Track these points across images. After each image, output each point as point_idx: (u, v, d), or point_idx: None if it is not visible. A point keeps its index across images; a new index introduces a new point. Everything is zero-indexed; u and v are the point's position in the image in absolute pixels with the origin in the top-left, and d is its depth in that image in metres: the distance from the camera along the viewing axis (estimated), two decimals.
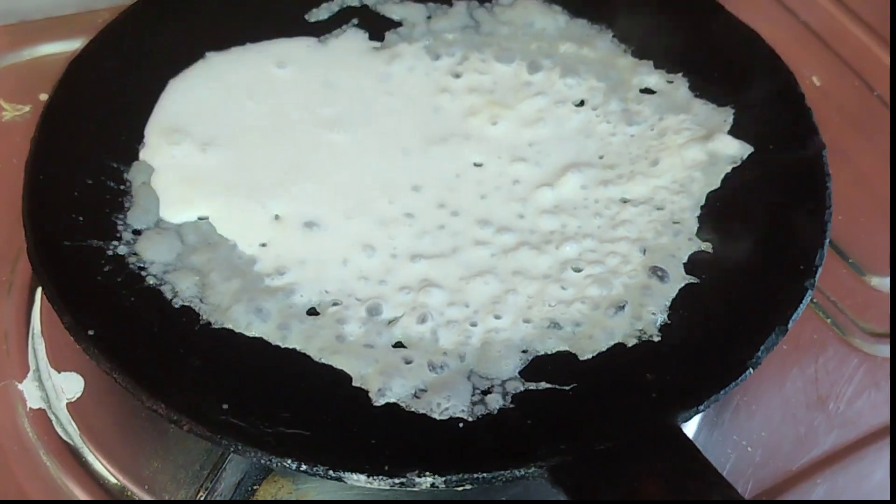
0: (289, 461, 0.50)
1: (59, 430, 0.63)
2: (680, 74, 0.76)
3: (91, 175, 0.66)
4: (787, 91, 0.70)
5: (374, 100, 0.75)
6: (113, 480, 0.61)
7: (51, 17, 0.80)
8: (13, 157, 0.72)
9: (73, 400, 0.64)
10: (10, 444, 0.62)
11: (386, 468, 0.50)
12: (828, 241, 0.60)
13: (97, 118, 0.69)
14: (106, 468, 0.62)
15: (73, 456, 0.62)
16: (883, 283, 0.77)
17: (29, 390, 0.64)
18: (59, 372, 0.65)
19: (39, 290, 0.68)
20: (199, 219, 0.66)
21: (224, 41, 0.77)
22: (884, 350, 0.73)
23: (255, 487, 0.61)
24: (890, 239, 0.79)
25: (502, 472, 0.50)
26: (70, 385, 0.64)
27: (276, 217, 0.67)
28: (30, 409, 0.64)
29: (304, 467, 0.50)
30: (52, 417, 0.63)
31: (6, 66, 0.81)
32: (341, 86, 0.76)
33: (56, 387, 0.64)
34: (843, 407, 0.69)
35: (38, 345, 0.66)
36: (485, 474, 0.50)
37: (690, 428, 0.67)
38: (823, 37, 0.93)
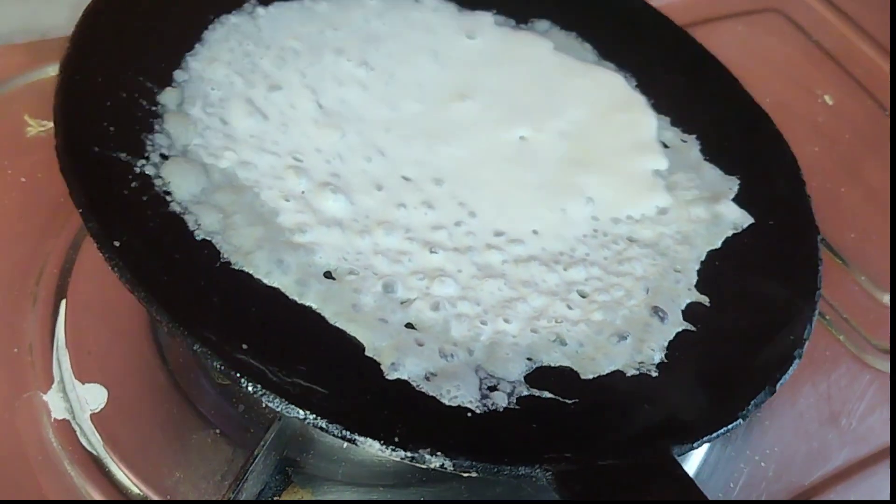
0: (308, 413, 0.50)
1: (82, 440, 0.63)
2: (694, 137, 0.79)
3: (125, 89, 0.66)
4: (790, 174, 0.73)
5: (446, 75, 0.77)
6: (135, 490, 0.62)
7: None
8: (38, 173, 0.74)
9: (96, 411, 0.64)
10: (35, 455, 0.63)
11: (397, 440, 0.50)
12: (815, 317, 0.62)
13: (139, 31, 0.69)
14: (128, 478, 0.62)
15: (96, 466, 0.63)
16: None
17: (53, 401, 0.65)
18: (83, 383, 0.65)
19: (64, 302, 0.69)
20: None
21: None
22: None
23: (275, 498, 0.62)
24: (890, 254, 0.80)
25: (510, 466, 0.51)
26: (94, 396, 0.65)
27: (299, 171, 0.68)
28: (54, 419, 0.64)
29: (321, 422, 0.50)
30: (77, 428, 0.64)
31: (29, 82, 0.82)
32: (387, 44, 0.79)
33: (80, 398, 0.65)
34: (856, 423, 0.70)
35: (62, 356, 0.66)
36: (493, 465, 0.51)
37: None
38: (836, 56, 0.95)
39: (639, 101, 0.79)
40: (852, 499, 0.66)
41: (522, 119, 0.76)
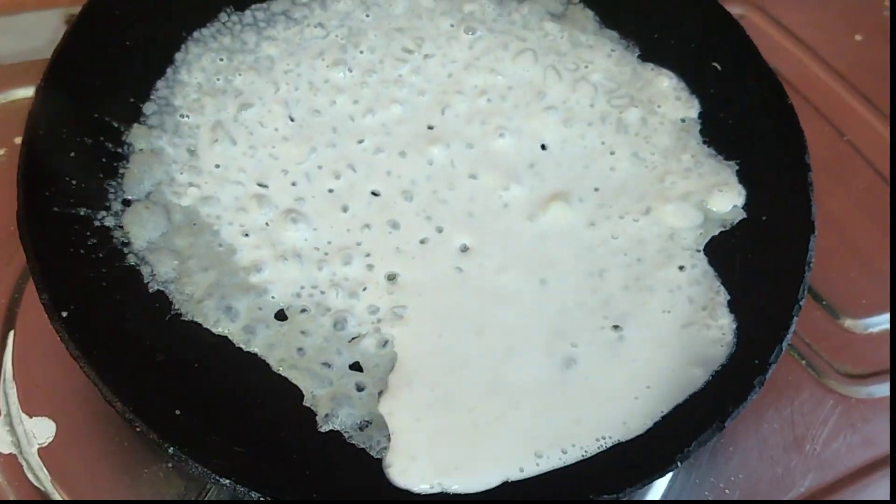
0: (229, 481, 0.51)
1: (29, 475, 0.63)
2: (696, 115, 0.74)
3: (91, 134, 0.66)
4: (794, 161, 0.67)
5: (384, 90, 0.74)
6: None
7: (25, 60, 0.79)
8: None
9: (44, 445, 0.64)
10: None
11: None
12: (789, 336, 0.59)
13: (108, 69, 0.69)
14: None
15: (43, 502, 0.61)
16: (857, 324, 0.77)
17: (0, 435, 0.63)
18: (31, 417, 0.64)
19: (11, 333, 0.67)
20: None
21: None
22: (859, 391, 0.73)
23: None
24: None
25: None
26: (41, 430, 0.64)
27: (263, 200, 0.67)
28: (0, 454, 0.63)
29: (239, 488, 0.51)
30: (23, 463, 0.63)
31: None
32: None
33: (27, 431, 0.64)
34: (820, 448, 0.69)
35: (9, 389, 0.65)
36: None
37: None
38: (794, 83, 0.94)
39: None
40: None
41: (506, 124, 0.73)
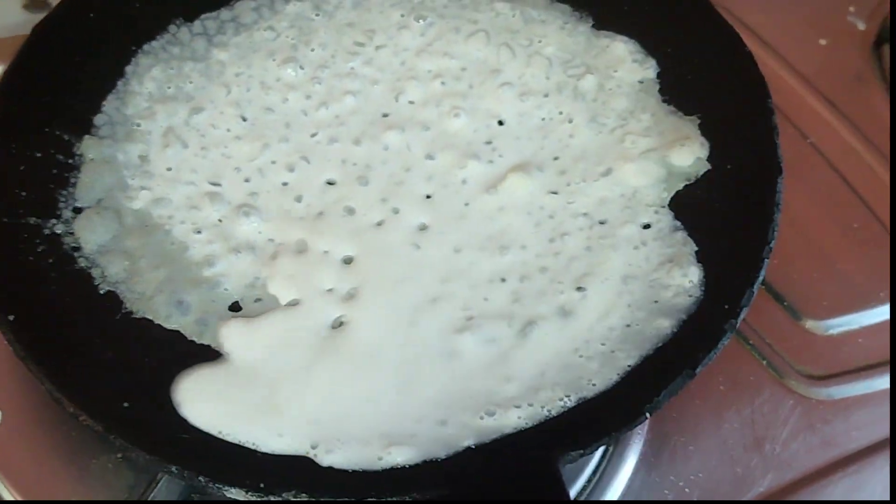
0: (175, 468, 0.50)
1: None
2: (654, 76, 0.73)
3: (41, 148, 0.66)
4: (757, 107, 0.66)
5: (337, 83, 0.73)
6: None
7: None
8: None
9: None
10: None
11: (262, 486, 0.49)
12: (760, 279, 0.57)
13: (57, 85, 0.69)
14: None
15: None
16: (818, 325, 0.77)
17: None
18: None
19: None
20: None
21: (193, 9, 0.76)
22: (819, 393, 0.73)
23: None
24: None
25: (375, 499, 0.49)
26: None
27: (215, 197, 0.66)
28: None
29: (185, 475, 0.50)
30: None
31: None
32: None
33: None
34: (780, 449, 0.70)
35: None
36: (360, 499, 0.49)
37: (628, 468, 0.66)
38: None
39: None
40: None
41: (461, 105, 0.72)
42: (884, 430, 0.71)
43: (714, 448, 0.69)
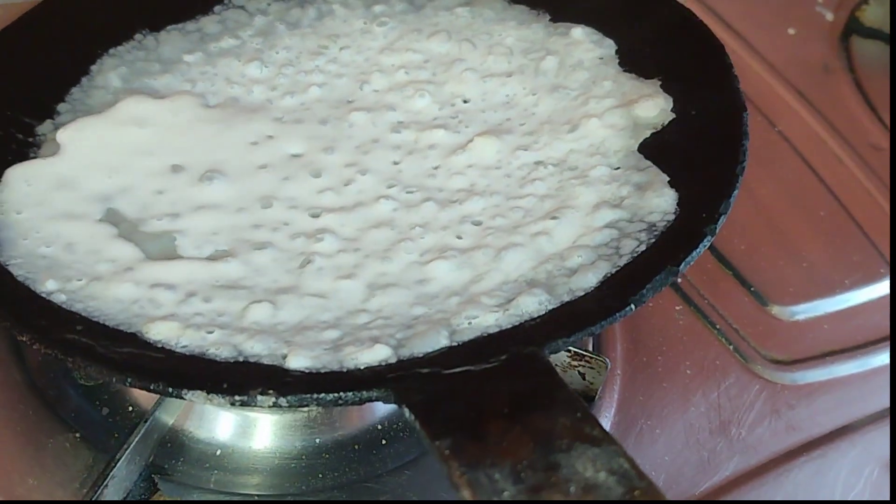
0: (132, 377, 0.47)
1: None
2: (613, 53, 0.74)
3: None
4: (714, 62, 0.67)
5: (302, 78, 0.74)
6: None
7: None
8: None
9: None
10: None
11: (225, 386, 0.46)
12: (736, 191, 0.56)
13: (17, 84, 0.69)
14: None
15: None
16: (784, 311, 0.78)
17: None
18: None
19: None
20: None
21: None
22: (783, 377, 0.74)
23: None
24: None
25: (352, 392, 0.46)
26: None
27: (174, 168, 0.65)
28: None
29: (140, 383, 0.47)
30: None
31: None
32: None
33: None
34: (745, 433, 0.70)
35: None
36: (329, 395, 0.46)
37: None
38: None
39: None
40: None
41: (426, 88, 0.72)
42: (848, 415, 0.72)
43: (680, 432, 0.69)
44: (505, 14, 0.79)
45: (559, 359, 0.65)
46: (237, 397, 0.46)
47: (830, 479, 0.68)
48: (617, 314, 0.50)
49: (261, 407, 0.46)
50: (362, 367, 0.49)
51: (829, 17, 1.04)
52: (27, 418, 0.61)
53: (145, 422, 0.58)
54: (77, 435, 0.60)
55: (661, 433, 0.68)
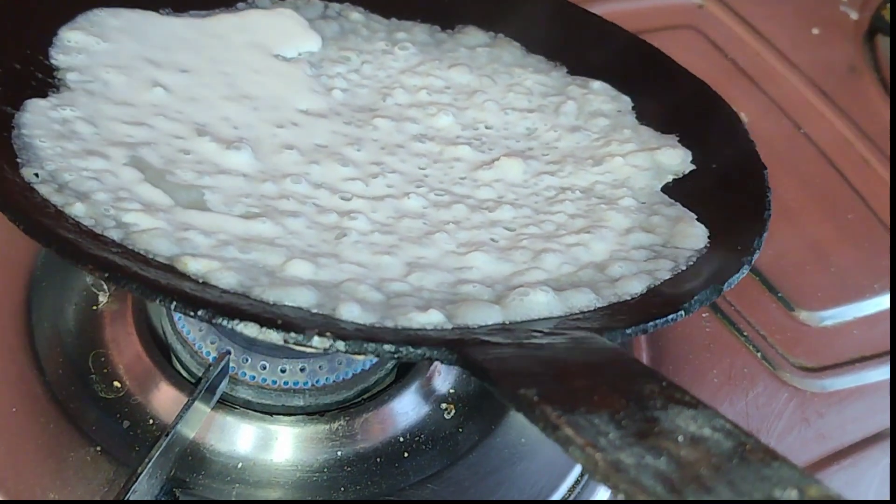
0: (173, 302, 0.44)
1: None
2: (630, 108, 0.75)
3: None
4: (731, 128, 0.69)
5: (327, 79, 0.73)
6: None
7: None
8: None
9: None
10: None
11: (280, 323, 0.44)
12: (765, 234, 0.57)
13: None
14: None
15: None
16: (812, 317, 0.77)
17: None
18: None
19: None
20: None
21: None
22: (813, 385, 0.73)
23: None
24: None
25: (407, 346, 0.44)
26: None
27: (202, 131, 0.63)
28: None
29: (185, 308, 0.44)
30: None
31: None
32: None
33: None
34: (774, 442, 0.68)
35: None
36: (388, 346, 0.44)
37: None
38: (751, 75, 0.95)
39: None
40: None
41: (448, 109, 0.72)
42: (879, 423, 0.71)
43: None
44: (524, 61, 0.80)
45: None
46: (293, 334, 0.43)
47: (862, 489, 0.67)
48: (671, 316, 0.49)
49: (315, 348, 0.43)
50: (416, 328, 0.47)
51: (854, 16, 1.03)
52: (47, 432, 0.60)
53: (166, 435, 0.57)
54: (98, 448, 0.60)
55: None
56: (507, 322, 0.49)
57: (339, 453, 0.61)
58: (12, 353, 0.63)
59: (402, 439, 0.62)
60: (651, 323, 0.48)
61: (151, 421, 0.62)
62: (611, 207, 0.63)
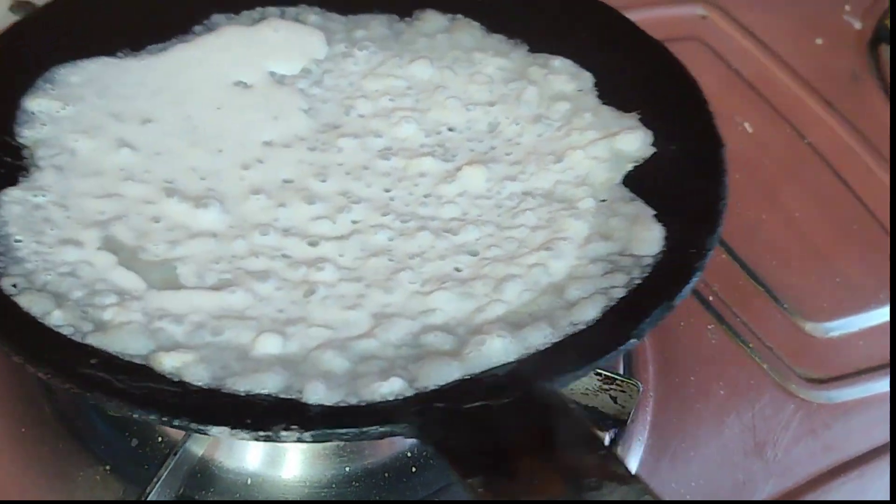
0: (151, 416, 0.48)
1: None
2: (591, 85, 0.75)
3: None
4: (690, 99, 0.69)
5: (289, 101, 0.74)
6: None
7: None
8: None
9: None
10: None
11: (249, 422, 0.47)
12: (720, 227, 0.59)
13: None
14: None
15: None
16: (818, 328, 0.77)
17: None
18: None
19: None
20: None
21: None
22: (820, 396, 0.72)
23: None
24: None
25: (370, 427, 0.48)
26: None
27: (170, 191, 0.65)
28: None
29: (164, 420, 0.48)
30: None
31: None
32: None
33: None
34: (781, 454, 0.69)
35: None
36: (353, 430, 0.47)
37: None
38: (755, 85, 0.95)
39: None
40: None
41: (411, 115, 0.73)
42: (887, 434, 0.70)
43: (714, 454, 0.68)
44: (484, 43, 0.80)
45: (590, 383, 0.64)
46: (261, 433, 0.47)
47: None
48: (620, 348, 0.52)
49: (284, 442, 0.46)
50: (379, 401, 0.50)
51: (858, 25, 1.03)
52: (57, 451, 0.61)
53: (175, 453, 0.58)
54: (107, 467, 0.61)
55: (695, 456, 0.67)
56: (466, 376, 0.52)
57: (347, 469, 0.62)
58: (20, 372, 0.64)
59: (409, 455, 0.63)
60: (601, 359, 0.52)
61: (160, 439, 0.63)
62: (571, 213, 0.64)
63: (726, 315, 0.77)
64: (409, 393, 0.50)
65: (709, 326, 0.76)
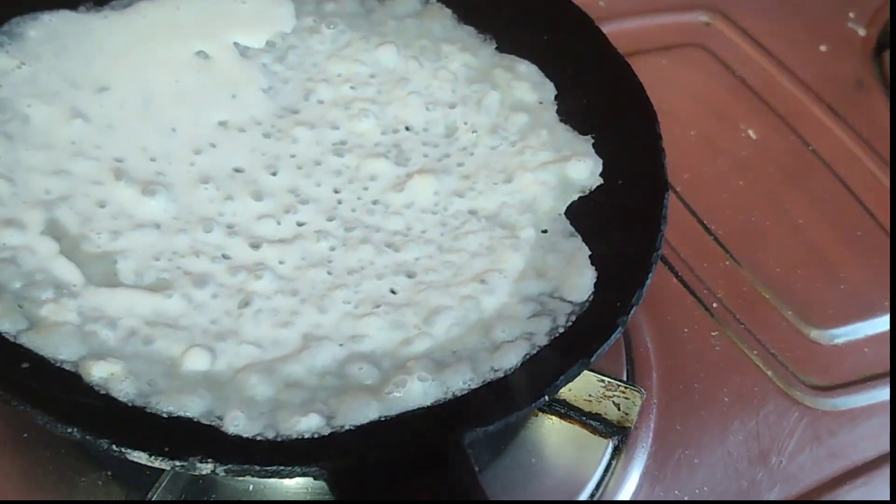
0: (74, 431, 0.49)
1: None
2: (552, 98, 0.75)
3: None
4: (646, 132, 0.69)
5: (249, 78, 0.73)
6: None
7: None
8: None
9: None
10: None
11: (167, 449, 0.48)
12: (649, 281, 0.59)
13: None
14: None
15: None
16: (823, 335, 0.76)
17: None
18: None
19: None
20: None
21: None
22: (824, 403, 0.72)
23: None
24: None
25: (283, 467, 0.49)
26: None
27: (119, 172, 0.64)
28: None
29: (86, 439, 0.49)
30: None
31: None
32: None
33: None
34: (786, 461, 0.69)
35: None
36: (267, 468, 0.49)
37: (632, 482, 0.65)
38: (759, 92, 0.95)
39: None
40: None
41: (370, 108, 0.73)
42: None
43: (719, 461, 0.68)
44: (453, 34, 0.79)
45: (593, 389, 0.64)
46: (178, 462, 0.48)
47: None
48: (532, 404, 0.55)
49: (200, 472, 0.48)
50: (296, 437, 0.52)
51: (862, 32, 1.03)
52: (59, 457, 0.61)
53: None
54: (109, 473, 0.61)
55: (700, 463, 0.67)
56: (382, 417, 0.54)
57: None
58: None
59: None
60: (512, 416, 0.53)
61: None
62: (511, 243, 0.65)
63: (730, 322, 0.77)
64: (326, 432, 0.52)
65: (713, 333, 0.76)
